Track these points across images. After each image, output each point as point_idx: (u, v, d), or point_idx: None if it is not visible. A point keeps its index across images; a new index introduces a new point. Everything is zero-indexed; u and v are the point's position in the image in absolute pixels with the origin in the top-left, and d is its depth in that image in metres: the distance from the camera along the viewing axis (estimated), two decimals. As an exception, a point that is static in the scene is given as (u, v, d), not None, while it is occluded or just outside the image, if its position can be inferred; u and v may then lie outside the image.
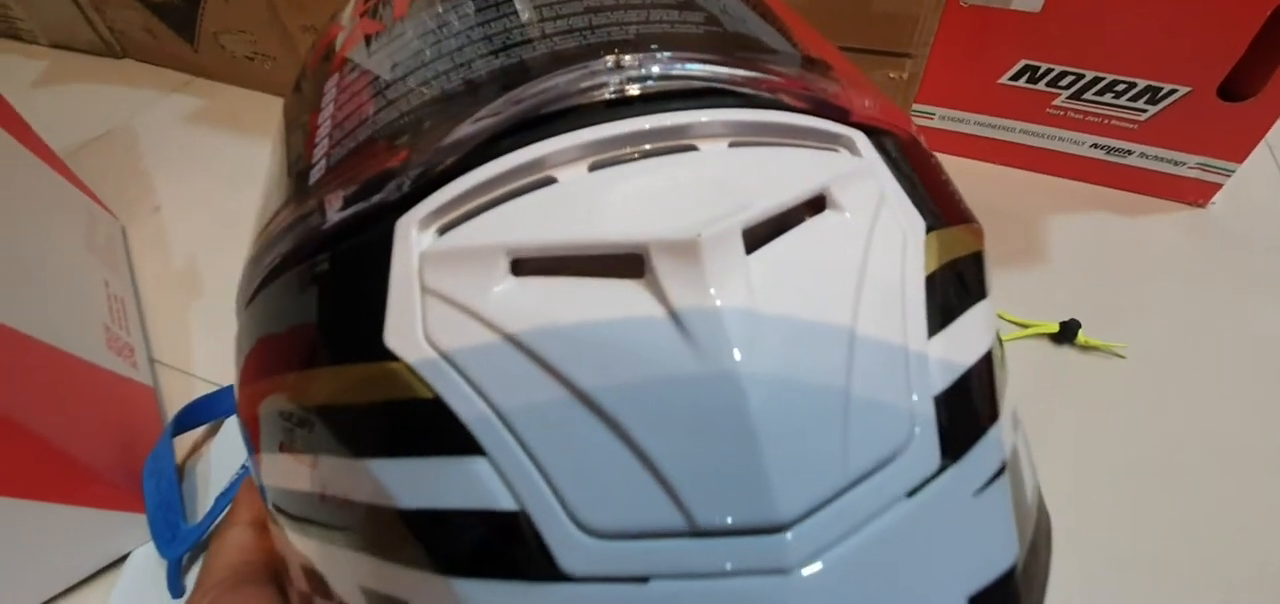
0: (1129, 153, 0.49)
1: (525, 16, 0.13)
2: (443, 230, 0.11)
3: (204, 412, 0.36)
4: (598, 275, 0.10)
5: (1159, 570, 0.32)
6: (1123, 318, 0.42)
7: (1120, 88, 0.45)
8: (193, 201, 0.52)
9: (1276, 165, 0.53)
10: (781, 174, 0.12)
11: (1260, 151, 0.53)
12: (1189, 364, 0.40)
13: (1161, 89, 0.44)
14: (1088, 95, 0.46)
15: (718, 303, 0.10)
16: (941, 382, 0.11)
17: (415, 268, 0.11)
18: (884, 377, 0.11)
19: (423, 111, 0.13)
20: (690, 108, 0.12)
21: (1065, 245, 0.47)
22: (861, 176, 0.12)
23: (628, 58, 0.12)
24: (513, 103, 0.12)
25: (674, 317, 0.10)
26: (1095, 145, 0.49)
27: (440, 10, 0.14)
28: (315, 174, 0.14)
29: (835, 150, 0.13)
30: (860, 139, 0.13)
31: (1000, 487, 0.11)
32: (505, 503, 0.10)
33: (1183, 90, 0.44)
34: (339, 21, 0.18)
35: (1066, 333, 0.41)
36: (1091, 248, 0.47)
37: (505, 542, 0.10)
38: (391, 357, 0.11)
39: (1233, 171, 0.47)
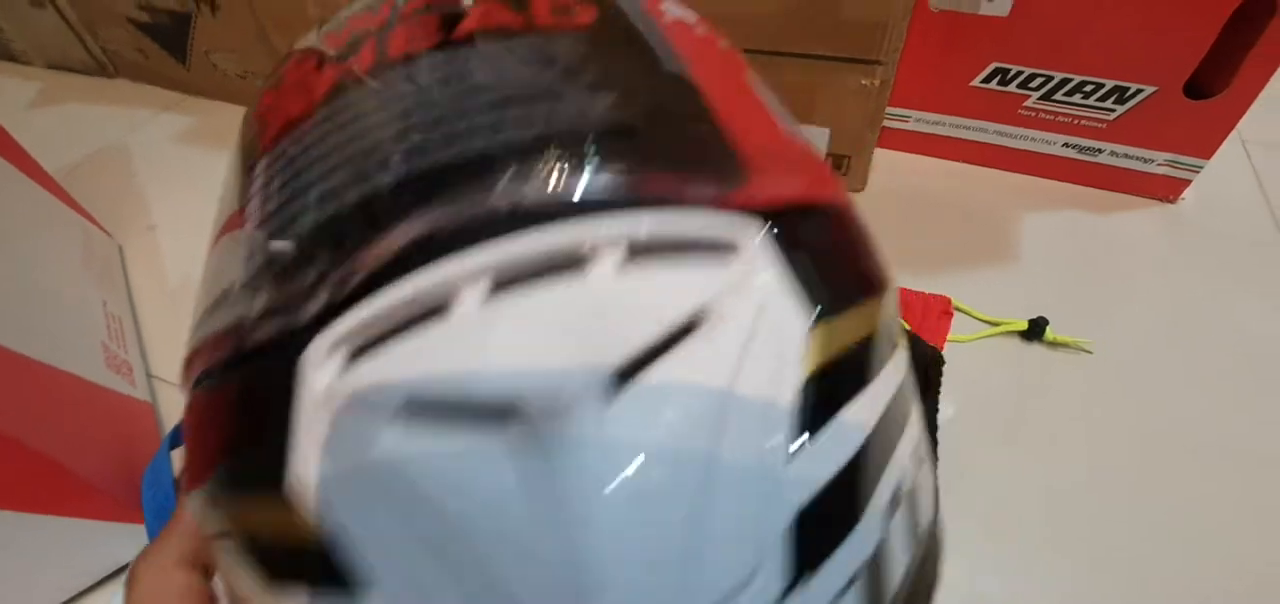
0: (1099, 151, 0.50)
1: (419, 120, 0.13)
2: (352, 355, 0.12)
3: (199, 425, 0.37)
4: (482, 423, 0.11)
5: (1128, 565, 0.33)
6: (1092, 314, 0.43)
7: (1089, 88, 0.46)
8: (187, 218, 0.54)
9: (1248, 160, 0.54)
10: (660, 300, 0.12)
11: (1233, 147, 0.55)
12: (1157, 358, 0.41)
13: (1129, 89, 0.46)
14: (1057, 96, 0.47)
15: (568, 471, 0.10)
16: (801, 496, 0.12)
17: (318, 408, 0.12)
18: (736, 508, 0.11)
19: (330, 225, 0.13)
20: (584, 212, 0.12)
21: (1038, 243, 0.49)
22: (740, 291, 0.12)
23: (524, 173, 0.12)
24: (417, 222, 0.12)
25: (527, 482, 0.11)
26: (1067, 144, 0.50)
27: (360, 111, 0.14)
28: (242, 275, 0.14)
29: (724, 256, 0.13)
30: (751, 232, 0.13)
31: (859, 586, 0.12)
32: None
33: (1149, 90, 0.45)
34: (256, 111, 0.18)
35: (1035, 330, 0.42)
36: (1063, 245, 0.48)
37: None
38: (289, 495, 0.12)
39: (1201, 168, 0.48)
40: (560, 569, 0.10)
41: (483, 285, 0.12)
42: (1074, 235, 0.49)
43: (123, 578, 0.33)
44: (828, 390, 0.12)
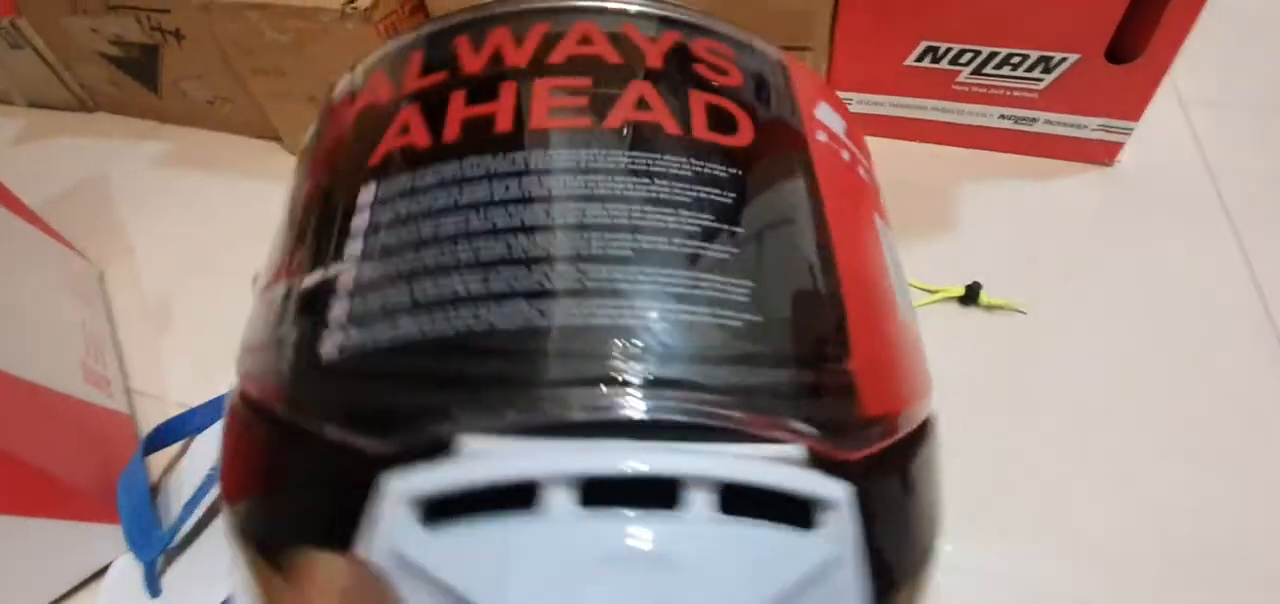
0: (1034, 120, 0.52)
1: (566, 249, 0.13)
2: (429, 513, 0.12)
3: (175, 430, 0.39)
4: None
5: (1070, 522, 0.35)
6: (1030, 276, 0.45)
7: (1016, 60, 0.48)
8: (164, 239, 0.56)
9: (1186, 120, 0.56)
10: (745, 576, 0.12)
11: (1171, 107, 0.56)
12: (1091, 315, 0.43)
13: (1053, 58, 0.47)
14: (987, 70, 0.49)
15: None
16: None
17: (389, 542, 0.12)
18: None
19: (441, 343, 0.13)
20: (691, 437, 0.12)
21: (980, 213, 0.50)
22: (826, 574, 0.12)
23: (643, 386, 0.12)
24: (530, 403, 0.12)
25: None
26: (1002, 116, 0.52)
27: (494, 190, 0.14)
28: (328, 346, 0.14)
29: (814, 522, 0.13)
30: (844, 503, 0.13)
31: None
32: None
33: (1072, 57, 0.47)
34: (360, 81, 0.18)
35: (970, 295, 0.44)
36: (1005, 213, 0.50)
37: None
38: (360, 560, 0.12)
39: (1131, 129, 0.50)
40: None
41: (574, 493, 0.12)
42: (1015, 203, 0.51)
43: (103, 580, 0.35)
44: None
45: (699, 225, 0.14)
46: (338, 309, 0.14)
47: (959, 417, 0.38)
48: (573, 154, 0.14)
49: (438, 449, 0.12)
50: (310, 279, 0.15)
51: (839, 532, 0.13)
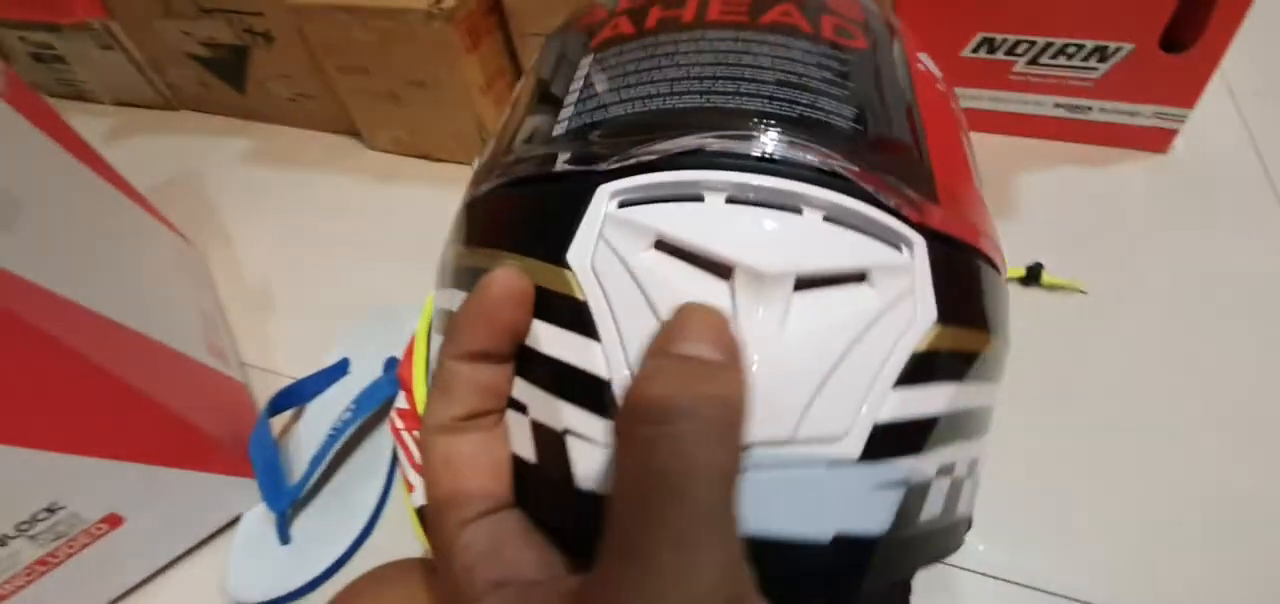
0: (1089, 109, 0.53)
1: (718, 72, 0.19)
2: (622, 204, 0.17)
3: (292, 397, 0.43)
4: (705, 269, 0.16)
5: (1127, 499, 0.37)
6: (1088, 259, 0.47)
7: (1071, 50, 0.50)
8: (259, 229, 0.60)
9: (1236, 108, 0.57)
10: (842, 251, 0.16)
11: (1221, 96, 0.58)
12: (1150, 297, 0.45)
13: (1108, 48, 0.49)
14: (1043, 60, 0.51)
15: (758, 313, 0.15)
16: (886, 415, 0.16)
17: (600, 221, 0.17)
18: (849, 391, 0.16)
19: (639, 117, 0.18)
20: (809, 180, 0.17)
21: (1035, 198, 0.52)
22: (897, 271, 0.17)
23: (781, 135, 0.17)
24: (698, 139, 0.17)
25: (735, 310, 0.15)
26: (1057, 105, 0.54)
27: (654, 50, 0.20)
28: (559, 127, 0.19)
29: (894, 246, 0.17)
30: (919, 244, 0.17)
31: (894, 491, 0.16)
32: (602, 372, 0.16)
33: (1127, 47, 0.49)
34: (603, 8, 0.24)
35: (1031, 276, 0.46)
36: (1060, 198, 0.52)
37: (593, 390, 0.16)
38: (567, 266, 0.16)
39: (1186, 117, 0.51)
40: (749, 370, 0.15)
41: (724, 194, 0.17)
42: (1070, 189, 0.53)
43: (235, 529, 0.38)
44: (929, 366, 0.16)
45: (822, 76, 0.19)
46: (565, 111, 0.20)
47: (1014, 399, 0.40)
48: (734, 31, 0.20)
49: (634, 173, 0.17)
50: (542, 108, 0.21)
51: (914, 261, 0.17)
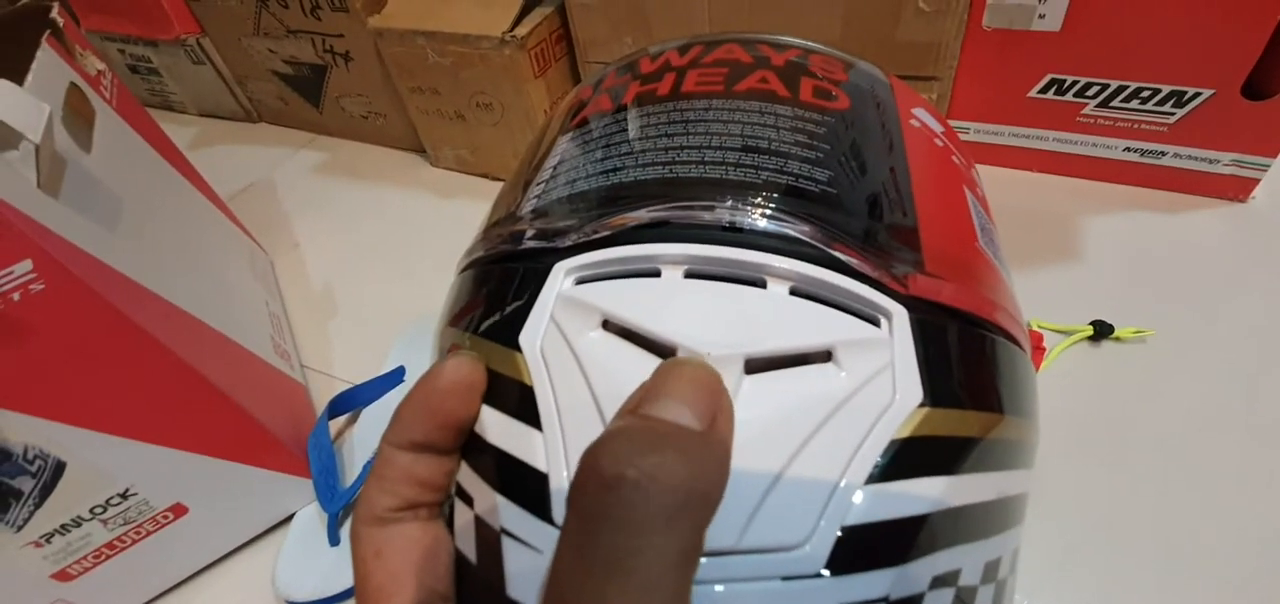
0: (1162, 154, 0.51)
1: (684, 142, 0.18)
2: (580, 281, 0.16)
3: (349, 401, 0.44)
4: (652, 350, 0.15)
5: (1189, 558, 0.35)
6: (1158, 309, 0.45)
7: (1145, 94, 0.48)
8: (325, 238, 0.63)
9: (1325, 158, 0.54)
10: (804, 327, 0.15)
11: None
12: (1219, 354, 0.42)
13: (1186, 93, 0.47)
14: (1115, 103, 0.50)
15: None
16: (856, 517, 0.13)
17: (552, 301, 0.16)
18: (810, 488, 0.13)
19: (594, 195, 0.18)
20: (773, 250, 0.16)
21: (1103, 246, 0.50)
22: (871, 348, 0.15)
23: (745, 203, 0.16)
24: (654, 210, 0.17)
25: None
26: (1128, 149, 0.52)
27: (625, 125, 0.20)
28: (527, 204, 0.20)
29: (869, 319, 0.15)
30: (898, 315, 0.15)
31: None
32: (541, 465, 0.15)
33: (1206, 93, 0.47)
34: (590, 87, 0.24)
35: (1101, 332, 0.44)
36: (1130, 246, 0.50)
37: (532, 486, 0.14)
38: (518, 349, 0.16)
39: (1267, 166, 0.49)
40: None
41: (682, 268, 0.16)
42: (1140, 236, 0.51)
43: (288, 527, 0.40)
44: (914, 456, 0.14)
45: (795, 139, 0.18)
46: (535, 186, 0.20)
47: (1078, 455, 0.39)
48: (705, 101, 0.19)
49: (592, 248, 0.17)
50: (518, 190, 0.21)
51: (892, 336, 0.15)
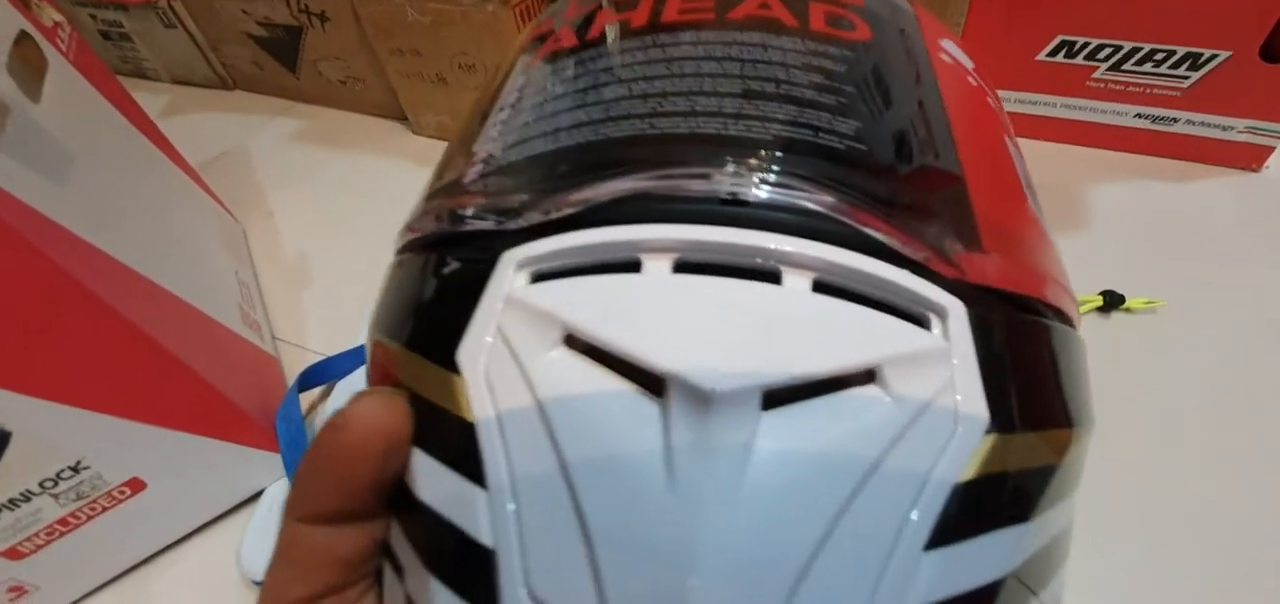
0: (1175, 121, 0.49)
1: (669, 87, 0.14)
2: (536, 276, 0.12)
3: (321, 374, 0.42)
4: (633, 378, 0.11)
5: (1195, 530, 0.34)
6: (1170, 280, 0.43)
7: (1160, 56, 0.46)
8: (301, 208, 0.60)
9: (1339, 128, 0.52)
10: (839, 339, 0.11)
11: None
12: (1230, 327, 0.41)
13: (1202, 55, 0.45)
14: (1127, 66, 0.48)
15: (707, 457, 0.10)
16: (916, 599, 0.10)
17: (499, 307, 0.12)
18: (849, 577, 0.10)
19: (555, 157, 0.14)
20: (791, 231, 0.12)
21: (1112, 215, 0.48)
22: (925, 362, 0.11)
23: (751, 167, 0.12)
24: (634, 180, 0.12)
25: (668, 451, 0.10)
26: (1139, 115, 0.50)
27: (592, 64, 0.15)
28: (473, 170, 0.15)
29: (920, 320, 0.12)
30: (956, 313, 0.12)
31: None
32: (486, 538, 0.11)
33: (1223, 55, 0.45)
34: (553, 19, 0.19)
35: (1111, 303, 0.42)
36: (1140, 216, 0.48)
37: (474, 568, 0.11)
38: (457, 370, 0.12)
39: (1284, 133, 0.47)
40: (670, 538, 0.10)
41: (671, 257, 0.12)
42: (1150, 206, 0.49)
43: (257, 503, 0.37)
44: (982, 505, 0.11)
45: (809, 81, 0.14)
46: (484, 146, 0.15)
47: (1108, 432, 0.37)
48: (693, 34, 0.15)
49: (550, 231, 0.13)
50: (467, 148, 0.17)
51: (950, 341, 0.12)
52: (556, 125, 0.14)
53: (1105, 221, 0.48)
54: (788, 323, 0.11)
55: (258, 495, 0.38)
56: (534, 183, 0.13)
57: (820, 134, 0.13)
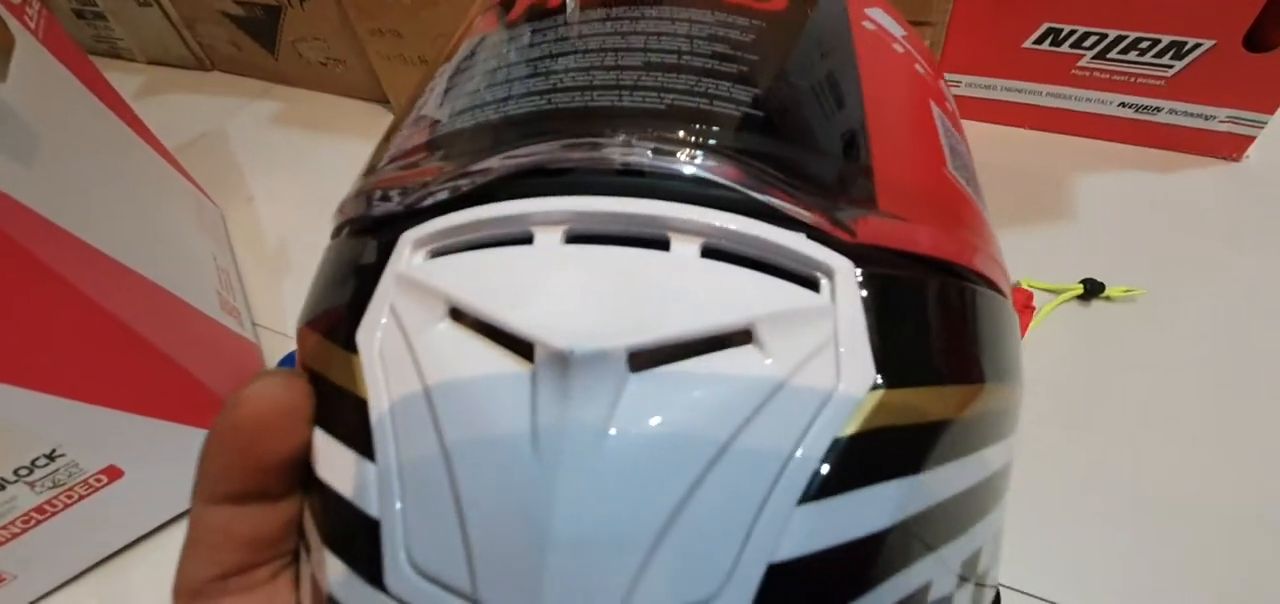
0: (1158, 110, 0.50)
1: (571, 63, 0.14)
2: (432, 254, 0.13)
3: (302, 360, 0.41)
4: (511, 348, 0.11)
5: (1173, 517, 0.34)
6: (1147, 273, 0.43)
7: (1144, 45, 0.47)
8: (280, 192, 0.59)
9: (1318, 118, 0.53)
10: (715, 300, 0.11)
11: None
12: (1210, 316, 0.41)
13: (1186, 44, 0.46)
14: (1112, 54, 0.48)
15: (568, 423, 0.10)
16: (788, 551, 0.10)
17: (392, 286, 0.12)
18: (717, 528, 0.10)
19: (461, 136, 0.14)
20: (681, 198, 0.12)
21: (1094, 204, 0.49)
22: (805, 320, 0.11)
23: (644, 136, 0.13)
24: (525, 153, 0.13)
25: (534, 419, 0.10)
26: (1123, 104, 0.50)
27: (506, 45, 0.16)
28: (387, 155, 0.15)
29: (806, 281, 0.12)
30: (843, 272, 0.12)
31: None
32: (373, 510, 0.11)
33: (1207, 44, 0.45)
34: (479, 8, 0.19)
35: (1091, 291, 0.42)
36: (1122, 205, 0.49)
37: (362, 539, 0.11)
38: (355, 350, 0.12)
39: (1265, 123, 0.48)
40: (531, 503, 0.10)
41: (561, 229, 0.12)
42: (1132, 195, 0.49)
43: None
44: (865, 459, 0.11)
45: (712, 51, 0.14)
46: (402, 132, 0.16)
47: (1065, 414, 0.38)
48: (603, 11, 0.15)
49: (451, 209, 0.13)
50: (394, 128, 0.17)
51: (834, 300, 0.12)
52: (467, 105, 0.15)
53: (1088, 210, 0.48)
54: (667, 287, 0.11)
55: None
56: (442, 163, 0.14)
57: (716, 102, 0.13)
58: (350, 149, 0.63)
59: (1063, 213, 0.49)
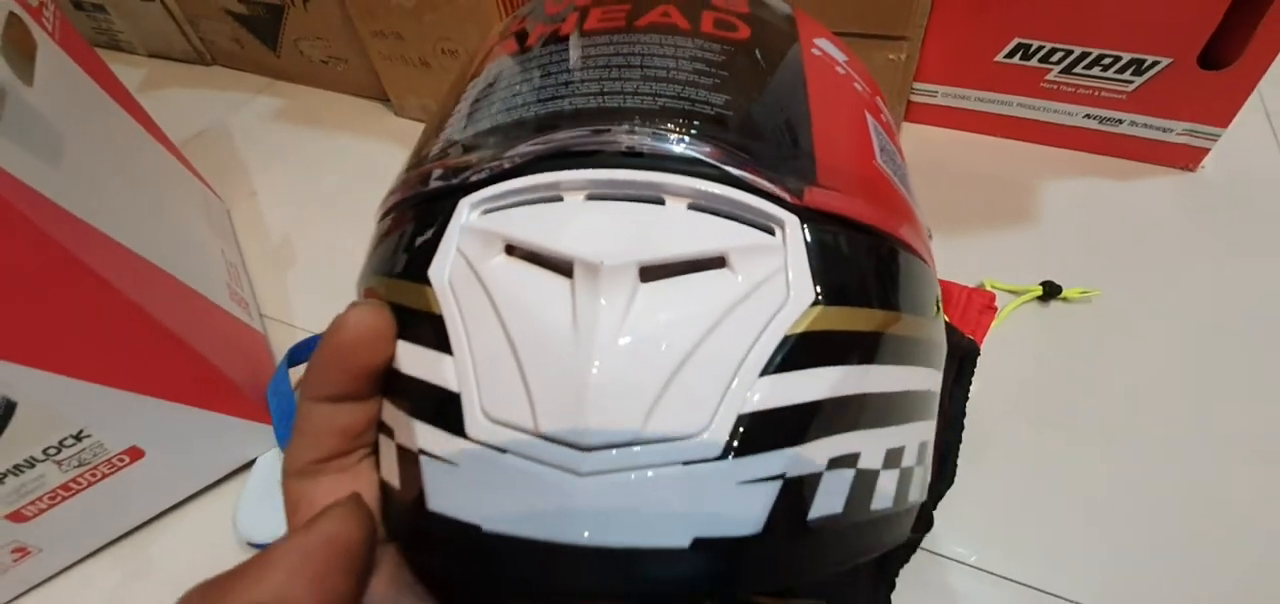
0: (1120, 122, 0.53)
1: (584, 75, 0.19)
2: (486, 212, 0.17)
3: (310, 349, 0.43)
4: (553, 268, 0.15)
5: (1128, 512, 0.37)
6: (1107, 277, 0.46)
7: (1107, 61, 0.50)
8: (283, 188, 0.61)
9: (1271, 130, 0.56)
10: (697, 236, 0.16)
11: (1257, 117, 0.57)
12: (1166, 319, 0.44)
13: (1145, 61, 0.49)
14: (1077, 69, 0.51)
15: (598, 310, 0.15)
16: (752, 406, 0.15)
17: (458, 234, 0.17)
18: (706, 383, 0.15)
19: (499, 130, 0.18)
20: (671, 170, 0.16)
21: (1058, 211, 0.52)
22: (763, 253, 0.16)
23: (643, 127, 0.17)
24: (555, 140, 0.17)
25: (573, 309, 0.15)
26: (1088, 116, 0.53)
27: (529, 63, 0.20)
28: (436, 146, 0.20)
29: (763, 227, 0.16)
30: (791, 224, 0.16)
31: (766, 486, 0.15)
32: (453, 385, 0.15)
33: (1165, 61, 0.48)
34: (498, 34, 0.24)
35: (1049, 293, 0.45)
36: (1083, 212, 0.52)
37: (446, 407, 0.15)
38: (428, 283, 0.16)
39: (1218, 136, 0.51)
40: (575, 373, 0.14)
41: (583, 193, 0.16)
42: (1094, 202, 0.52)
43: (250, 471, 0.39)
44: (808, 349, 0.15)
45: (693, 67, 0.19)
46: (447, 131, 0.20)
47: (1025, 411, 0.40)
48: (608, 36, 0.20)
49: (499, 178, 0.17)
50: (433, 135, 0.21)
51: (784, 243, 0.16)
52: (504, 107, 0.19)
53: (1051, 215, 0.51)
54: (662, 227, 0.16)
55: (250, 464, 0.40)
56: (484, 150, 0.18)
57: (696, 104, 0.18)
58: (351, 146, 0.65)
59: (1027, 217, 0.52)
